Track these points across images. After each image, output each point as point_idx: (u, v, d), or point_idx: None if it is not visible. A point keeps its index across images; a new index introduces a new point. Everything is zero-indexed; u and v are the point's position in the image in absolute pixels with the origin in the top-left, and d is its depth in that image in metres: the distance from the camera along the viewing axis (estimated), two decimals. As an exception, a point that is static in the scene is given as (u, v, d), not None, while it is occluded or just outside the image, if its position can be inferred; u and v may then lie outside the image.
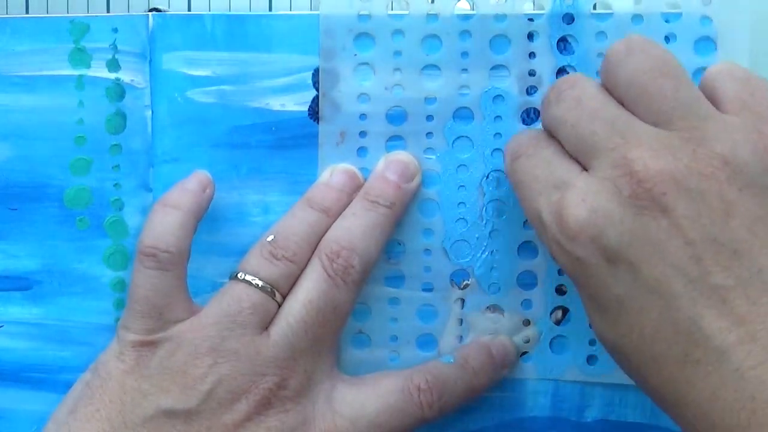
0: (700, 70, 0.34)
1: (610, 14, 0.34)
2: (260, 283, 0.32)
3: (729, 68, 0.29)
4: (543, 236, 0.29)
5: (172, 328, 0.32)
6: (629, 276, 0.26)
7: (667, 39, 0.34)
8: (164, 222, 0.33)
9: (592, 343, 0.35)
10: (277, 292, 0.32)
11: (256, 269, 0.32)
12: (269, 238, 0.33)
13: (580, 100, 0.28)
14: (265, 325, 0.32)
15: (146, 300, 0.32)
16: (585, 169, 0.28)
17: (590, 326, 0.29)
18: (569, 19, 0.34)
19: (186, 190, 0.34)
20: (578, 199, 0.27)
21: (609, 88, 0.29)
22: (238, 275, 0.33)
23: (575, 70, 0.34)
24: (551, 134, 0.30)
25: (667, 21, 0.34)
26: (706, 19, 0.34)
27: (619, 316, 0.27)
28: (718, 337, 0.25)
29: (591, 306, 0.28)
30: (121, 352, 0.32)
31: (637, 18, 0.34)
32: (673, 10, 0.34)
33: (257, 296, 0.32)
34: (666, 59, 0.28)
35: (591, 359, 0.36)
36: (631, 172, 0.26)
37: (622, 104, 0.28)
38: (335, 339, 0.34)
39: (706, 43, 0.34)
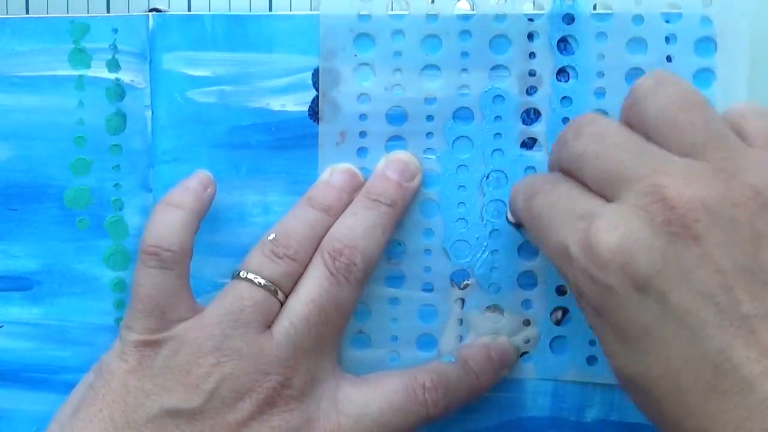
0: (700, 71, 0.34)
1: (610, 14, 0.34)
2: (262, 282, 0.32)
3: (753, 106, 0.29)
4: (567, 268, 0.28)
5: (175, 328, 0.32)
6: (658, 305, 0.26)
7: (667, 39, 0.34)
8: (167, 221, 0.33)
9: (592, 343, 0.35)
10: (280, 291, 0.32)
11: (258, 268, 0.32)
12: (271, 237, 0.33)
13: (603, 134, 0.28)
14: (268, 323, 0.32)
15: (149, 299, 0.32)
16: (610, 201, 0.27)
17: (609, 362, 0.28)
18: (569, 19, 0.34)
19: (188, 190, 0.34)
20: (609, 227, 0.26)
21: (633, 123, 0.29)
22: (240, 274, 0.33)
23: (575, 71, 0.34)
24: (569, 173, 0.29)
25: (667, 21, 0.34)
26: (706, 19, 0.34)
27: (645, 347, 0.26)
28: (746, 367, 0.24)
29: (614, 338, 0.27)
30: (123, 351, 0.32)
31: (637, 18, 0.34)
32: (673, 10, 0.34)
33: (260, 294, 0.32)
34: (694, 92, 0.28)
35: (591, 360, 0.36)
36: (663, 198, 0.26)
37: (648, 138, 0.28)
38: (338, 338, 0.34)
39: (706, 43, 0.34)
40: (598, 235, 0.26)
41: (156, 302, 0.32)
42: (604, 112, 0.34)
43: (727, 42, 0.34)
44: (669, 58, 0.34)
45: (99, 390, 0.32)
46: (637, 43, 0.34)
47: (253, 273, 0.32)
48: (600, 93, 0.35)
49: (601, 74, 0.34)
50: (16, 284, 0.37)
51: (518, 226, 0.33)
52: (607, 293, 0.26)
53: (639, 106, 0.28)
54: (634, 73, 0.34)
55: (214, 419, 0.31)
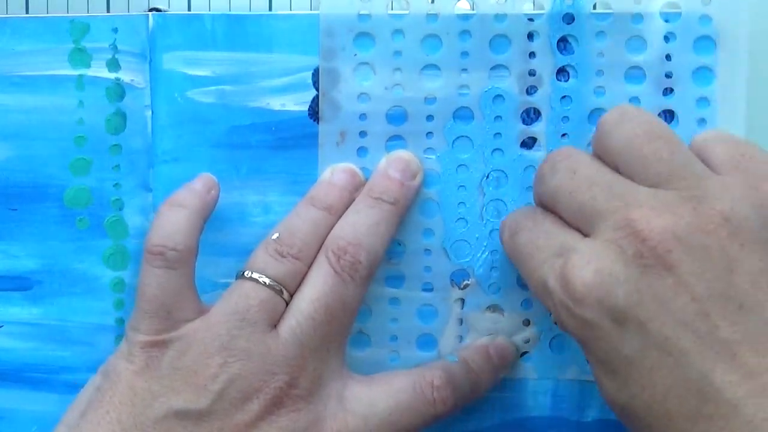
0: (699, 69, 0.34)
1: (610, 14, 0.34)
2: (268, 281, 0.32)
3: (717, 134, 0.29)
4: (549, 304, 0.29)
5: (182, 328, 0.32)
6: (638, 336, 0.26)
7: (666, 38, 0.34)
8: (171, 221, 0.33)
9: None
10: (285, 290, 0.32)
11: (263, 267, 0.32)
12: (274, 236, 0.33)
13: (575, 169, 0.29)
14: (274, 323, 0.32)
15: (155, 299, 0.32)
16: (586, 235, 0.28)
17: (600, 391, 0.29)
18: (569, 18, 0.34)
19: (192, 191, 0.34)
20: (583, 262, 0.27)
21: (603, 156, 0.29)
22: (245, 273, 0.33)
23: (575, 70, 0.34)
24: (548, 207, 0.30)
25: (667, 21, 0.34)
26: (706, 18, 0.34)
27: (630, 377, 0.27)
28: (729, 390, 0.25)
29: (600, 369, 0.28)
30: (130, 353, 0.32)
31: (637, 17, 0.34)
32: (672, 10, 0.34)
33: (265, 294, 0.32)
34: (658, 124, 0.29)
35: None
36: (634, 231, 0.26)
37: (617, 171, 0.29)
38: (344, 337, 0.34)
39: (706, 42, 0.34)
40: (574, 271, 0.27)
41: (162, 302, 0.32)
42: (603, 111, 0.34)
43: (727, 40, 0.34)
44: (668, 57, 0.34)
45: (106, 392, 0.32)
46: (637, 42, 0.34)
47: (257, 272, 0.32)
48: (600, 92, 0.35)
49: (600, 73, 0.34)
50: (16, 284, 0.37)
51: None
52: (587, 327, 0.27)
53: (606, 140, 0.29)
54: (634, 71, 0.34)
55: (222, 420, 0.31)
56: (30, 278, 0.37)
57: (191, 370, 0.31)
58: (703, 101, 0.34)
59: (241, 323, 0.31)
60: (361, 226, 0.33)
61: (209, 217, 0.34)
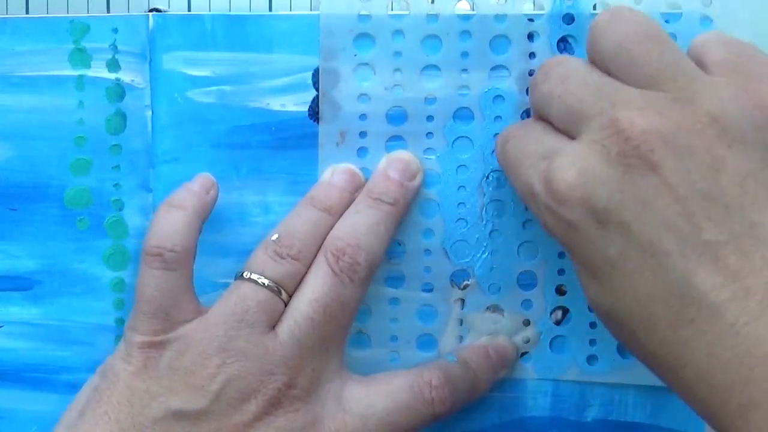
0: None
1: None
2: (266, 282, 0.32)
3: (716, 35, 0.29)
4: (534, 207, 0.29)
5: (180, 329, 0.32)
6: (620, 237, 0.26)
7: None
8: (170, 222, 0.33)
9: (592, 343, 0.36)
10: (284, 291, 0.32)
11: (262, 268, 0.32)
12: (273, 237, 0.33)
13: (567, 74, 0.29)
14: (273, 324, 0.32)
15: (153, 300, 0.32)
16: (573, 139, 0.28)
17: (585, 296, 0.29)
18: (569, 19, 0.34)
19: (190, 191, 0.34)
20: (567, 163, 0.27)
21: (594, 59, 0.29)
22: (244, 274, 0.33)
23: None
24: (540, 115, 0.30)
25: (667, 21, 0.34)
26: (706, 19, 0.34)
27: (612, 280, 0.26)
28: (712, 293, 0.24)
29: (584, 272, 0.28)
30: (128, 353, 0.32)
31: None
32: (673, 10, 0.34)
33: (264, 295, 0.32)
34: (650, 24, 0.28)
35: (591, 359, 0.36)
36: (618, 131, 0.26)
37: (609, 74, 0.28)
38: (343, 337, 0.34)
39: None
40: (557, 172, 0.27)
41: (160, 303, 0.32)
42: None
43: None
44: None
45: (104, 392, 0.32)
46: None
47: (256, 273, 0.32)
48: None
49: None
50: (16, 284, 0.37)
51: None
52: (570, 228, 0.27)
53: (597, 43, 0.29)
54: None
55: (220, 421, 0.31)
56: (30, 278, 0.37)
57: (189, 371, 0.31)
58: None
59: (240, 324, 0.31)
60: (360, 226, 0.33)
61: (208, 218, 0.34)
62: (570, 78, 0.29)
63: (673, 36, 0.34)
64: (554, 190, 0.27)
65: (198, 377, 0.31)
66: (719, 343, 0.24)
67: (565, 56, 0.30)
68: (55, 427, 0.33)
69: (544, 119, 0.30)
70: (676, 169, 0.25)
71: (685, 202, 0.25)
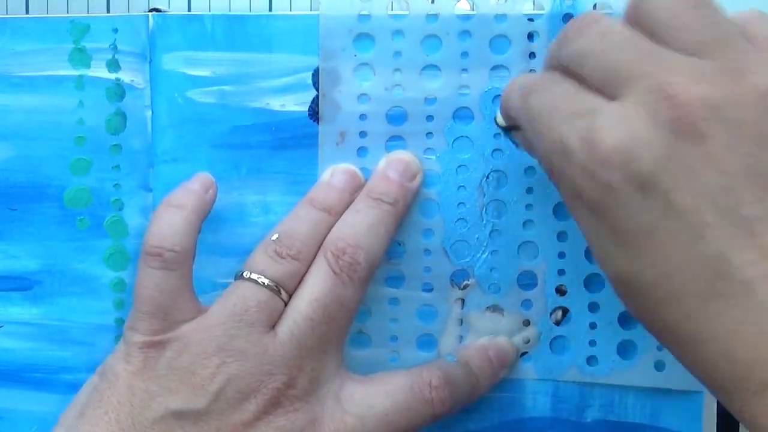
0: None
1: (610, 14, 0.34)
2: (266, 282, 0.32)
3: (759, 12, 0.28)
4: (564, 166, 0.27)
5: (179, 329, 0.32)
6: (659, 204, 0.25)
7: None
8: (169, 221, 0.33)
9: (592, 344, 0.35)
10: (283, 291, 0.32)
11: (262, 268, 0.32)
12: (273, 237, 0.33)
13: (606, 33, 0.28)
14: (272, 323, 0.32)
15: (152, 300, 0.32)
16: (612, 99, 0.27)
17: (604, 267, 0.28)
18: (569, 18, 0.34)
19: (189, 191, 0.34)
20: (611, 124, 0.26)
21: (638, 23, 0.28)
22: (244, 274, 0.32)
23: None
24: (568, 72, 0.29)
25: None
26: None
27: (643, 248, 0.26)
28: (746, 269, 0.24)
29: (612, 239, 0.27)
30: (128, 353, 0.32)
31: None
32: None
33: (263, 295, 0.32)
34: None
35: (591, 360, 0.36)
36: (668, 96, 0.25)
37: (653, 39, 0.27)
38: (342, 337, 0.33)
39: None
40: (601, 132, 0.26)
41: (159, 303, 0.32)
42: None
43: None
44: None
45: (104, 392, 0.32)
46: None
47: (256, 273, 0.32)
48: None
49: None
50: (16, 284, 0.37)
51: (507, 130, 0.32)
52: (607, 191, 0.26)
53: (644, 5, 0.27)
54: None
55: (220, 420, 0.31)
56: (30, 278, 0.37)
57: (188, 371, 0.31)
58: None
59: (239, 324, 0.31)
60: (360, 226, 0.33)
61: (207, 217, 0.34)
62: (609, 36, 0.27)
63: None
64: (596, 151, 0.26)
65: (197, 377, 0.31)
66: (747, 320, 0.24)
67: (599, 14, 0.29)
68: (55, 427, 0.33)
69: (572, 76, 0.29)
70: (725, 142, 0.25)
71: (731, 176, 0.24)
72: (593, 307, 0.35)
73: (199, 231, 0.33)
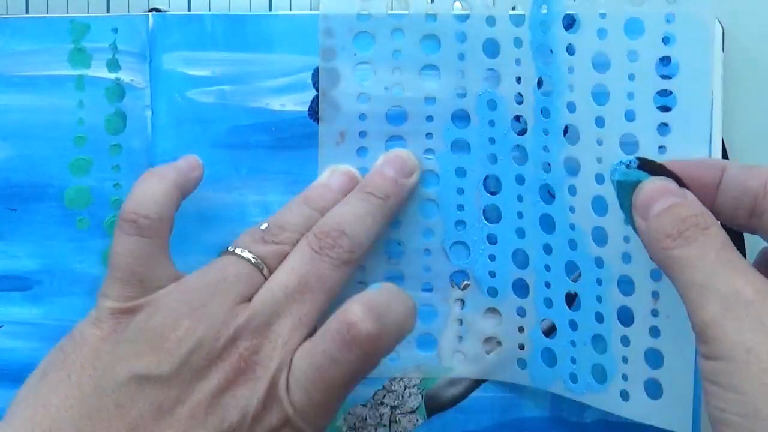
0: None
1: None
2: (250, 257, 0.32)
3: None
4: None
5: (153, 294, 0.31)
6: None
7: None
8: (147, 189, 0.32)
9: (572, 360, 0.34)
10: (266, 267, 0.32)
11: (247, 245, 0.32)
12: (263, 227, 0.33)
13: None
14: (249, 296, 0.32)
15: (125, 266, 0.31)
16: None
17: None
18: (546, 27, 0.33)
19: (173, 166, 0.33)
20: None
21: None
22: (228, 249, 0.32)
23: (551, 79, 0.33)
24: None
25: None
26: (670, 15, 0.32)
27: None
28: None
29: None
30: (98, 318, 0.31)
31: (601, 31, 0.32)
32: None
33: (245, 267, 0.32)
34: None
35: (572, 376, 0.34)
36: None
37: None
38: (314, 317, 0.32)
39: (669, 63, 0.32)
40: None
41: (133, 270, 0.31)
42: (575, 126, 0.33)
43: (690, 61, 0.32)
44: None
45: (69, 355, 0.31)
46: (601, 56, 0.32)
47: (240, 248, 0.32)
48: (571, 106, 0.33)
49: (571, 87, 0.33)
50: (16, 284, 0.37)
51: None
52: None
53: None
54: (599, 89, 0.32)
55: (182, 388, 0.30)
56: (30, 278, 0.37)
57: (158, 333, 0.30)
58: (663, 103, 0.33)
59: (213, 291, 0.31)
60: (346, 215, 0.33)
61: (206, 215, 0.34)
62: None
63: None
64: None
65: (166, 341, 0.30)
66: None
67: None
68: (20, 389, 0.32)
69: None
70: None
71: None
72: (573, 325, 0.34)
73: (178, 205, 0.33)
